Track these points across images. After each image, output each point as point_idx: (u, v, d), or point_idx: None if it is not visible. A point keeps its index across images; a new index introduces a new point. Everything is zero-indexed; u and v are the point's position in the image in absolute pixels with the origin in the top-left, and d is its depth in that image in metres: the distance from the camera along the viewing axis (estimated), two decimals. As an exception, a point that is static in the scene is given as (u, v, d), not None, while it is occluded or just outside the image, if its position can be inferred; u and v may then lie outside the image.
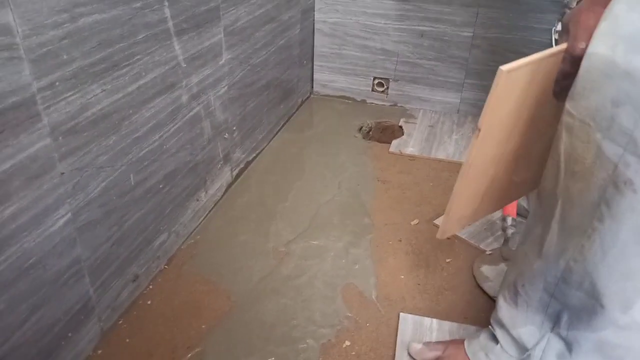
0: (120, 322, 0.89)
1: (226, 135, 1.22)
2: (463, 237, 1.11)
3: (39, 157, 0.66)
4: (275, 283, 0.98)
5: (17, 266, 0.65)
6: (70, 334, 0.78)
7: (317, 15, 1.75)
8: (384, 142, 1.55)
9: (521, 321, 0.68)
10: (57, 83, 0.68)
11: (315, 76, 1.85)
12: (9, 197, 0.62)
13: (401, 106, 1.81)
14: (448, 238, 1.12)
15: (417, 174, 1.37)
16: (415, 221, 1.17)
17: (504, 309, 0.71)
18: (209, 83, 1.09)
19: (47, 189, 0.68)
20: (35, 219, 0.67)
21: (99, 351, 0.84)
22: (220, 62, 1.13)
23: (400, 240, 1.11)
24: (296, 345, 0.85)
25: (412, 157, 1.46)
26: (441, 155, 1.47)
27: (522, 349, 0.68)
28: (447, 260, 1.05)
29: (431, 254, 1.07)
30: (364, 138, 1.58)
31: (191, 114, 1.04)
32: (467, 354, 0.76)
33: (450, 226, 0.71)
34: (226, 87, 1.18)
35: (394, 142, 1.54)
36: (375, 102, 1.83)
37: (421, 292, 0.97)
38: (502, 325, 0.71)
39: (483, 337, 0.75)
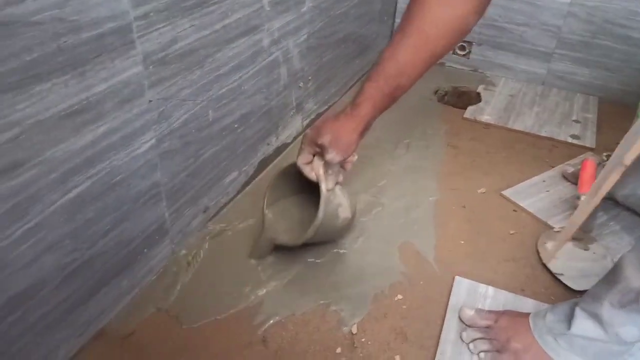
0: (189, 246, 0.96)
1: (301, 84, 1.24)
2: (530, 210, 1.07)
3: (131, 82, 0.71)
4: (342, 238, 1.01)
5: (105, 181, 0.71)
6: (145, 250, 0.85)
7: (404, -30, 1.69)
8: (459, 108, 1.50)
9: (623, 321, 0.66)
10: (151, 14, 0.71)
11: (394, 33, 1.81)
12: (102, 117, 0.68)
13: (482, 72, 1.73)
14: (514, 210, 1.09)
15: (490, 143, 1.33)
16: (482, 190, 1.14)
17: (607, 308, 0.67)
18: (290, 30, 1.10)
19: (136, 113, 0.73)
20: (124, 140, 0.72)
21: (170, 270, 0.90)
22: (302, 10, 1.13)
23: (464, 207, 1.09)
24: (348, 291, 0.88)
25: (486, 125, 1.41)
26: (518, 126, 1.41)
27: (620, 342, 0.67)
28: (511, 232, 1.03)
29: (495, 224, 1.05)
30: (438, 101, 1.54)
31: (270, 58, 1.06)
32: (533, 334, 0.73)
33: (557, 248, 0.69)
34: (306, 36, 1.18)
35: (470, 108, 1.49)
36: (455, 65, 1.77)
37: (480, 259, 0.96)
38: (597, 319, 0.68)
39: (550, 320, 0.73)
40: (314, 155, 0.84)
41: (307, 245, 0.91)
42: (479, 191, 1.14)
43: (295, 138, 1.30)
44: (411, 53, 0.78)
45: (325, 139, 0.79)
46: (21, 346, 0.66)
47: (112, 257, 0.78)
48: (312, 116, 1.37)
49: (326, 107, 1.44)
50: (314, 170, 0.83)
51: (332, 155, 0.80)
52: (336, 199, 0.85)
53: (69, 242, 0.68)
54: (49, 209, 0.64)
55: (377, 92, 0.79)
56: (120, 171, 0.74)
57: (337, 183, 0.86)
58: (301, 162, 0.84)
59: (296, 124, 1.28)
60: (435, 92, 1.58)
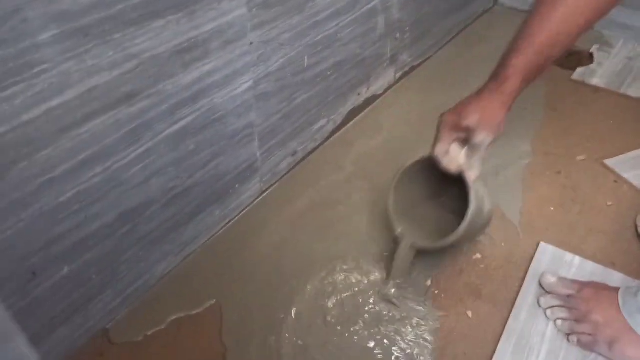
0: (276, 186, 1.01)
1: (397, 36, 1.21)
2: (634, 182, 0.99)
3: (235, 24, 0.74)
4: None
5: (207, 117, 0.77)
6: (237, 186, 0.91)
7: None
8: (567, 69, 1.39)
9: None
10: (258, -44, 0.73)
11: (503, -15, 1.69)
12: (208, 56, 0.72)
13: (597, 31, 1.57)
14: (615, 181, 1.01)
15: (596, 108, 1.23)
16: (582, 157, 1.07)
17: None
18: (391, -23, 1.07)
19: (238, 54, 0.77)
20: (225, 80, 0.77)
21: (258, 205, 0.97)
22: (407, -44, 1.09)
23: (560, 173, 1.03)
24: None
25: (596, 90, 1.30)
26: (633, 93, 1.28)
27: None
28: (609, 203, 0.96)
29: (591, 194, 0.99)
30: (543, 61, 1.44)
31: (369, 6, 1.04)
32: (620, 310, 0.70)
33: None
34: (407, -16, 1.14)
35: (579, 70, 1.37)
36: (567, 22, 1.62)
37: (570, 228, 0.92)
38: None
39: None
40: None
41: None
42: (578, 158, 1.07)
43: (386, 90, 1.29)
44: (565, 22, 0.72)
45: (471, 120, 0.72)
46: (128, 257, 0.76)
47: (208, 188, 0.85)
48: (406, 69, 1.34)
49: (421, 60, 1.40)
50: (455, 160, 0.74)
51: (483, 137, 0.73)
52: (480, 190, 0.77)
53: (173, 169, 0.75)
54: (158, 137, 0.70)
55: (526, 65, 0.73)
56: (220, 109, 0.79)
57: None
58: (439, 151, 0.75)
59: (388, 76, 1.27)
60: (541, 51, 1.47)
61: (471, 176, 0.75)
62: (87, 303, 0.72)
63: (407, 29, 1.24)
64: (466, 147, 0.75)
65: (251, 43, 0.78)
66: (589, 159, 1.07)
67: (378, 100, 1.26)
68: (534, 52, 0.73)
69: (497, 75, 0.76)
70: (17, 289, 0.61)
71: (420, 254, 0.82)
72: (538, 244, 0.88)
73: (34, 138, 0.55)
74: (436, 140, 0.77)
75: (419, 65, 1.39)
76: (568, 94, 1.28)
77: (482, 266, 0.85)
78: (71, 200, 0.62)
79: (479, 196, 0.75)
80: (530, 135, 1.13)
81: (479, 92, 0.77)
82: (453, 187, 0.81)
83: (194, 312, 0.79)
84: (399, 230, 0.82)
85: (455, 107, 0.77)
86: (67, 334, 0.71)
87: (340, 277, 0.84)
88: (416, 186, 0.85)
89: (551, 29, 0.73)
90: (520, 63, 0.74)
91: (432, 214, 0.87)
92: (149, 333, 0.76)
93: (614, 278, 0.81)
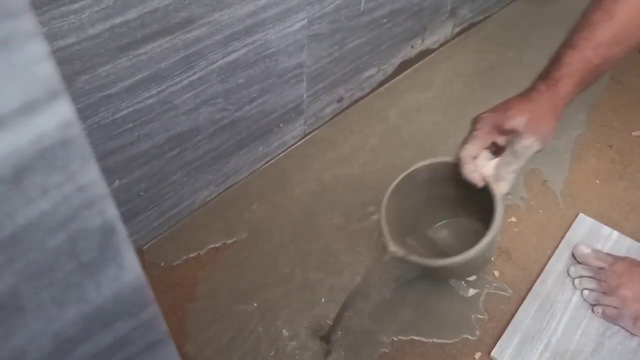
0: (320, 130, 1.02)
1: (460, -12, 1.17)
2: (692, 166, 0.95)
3: (295, -41, 0.73)
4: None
5: (258, 52, 0.78)
6: (281, 125, 0.93)
7: None
8: None
9: None
10: None
11: (582, -56, 1.57)
12: (265, -11, 0.72)
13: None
14: (672, 162, 0.97)
15: (665, 84, 1.16)
16: (638, 132, 1.02)
17: None
18: None
19: (294, -9, 0.77)
20: (279, 16, 0.77)
21: (300, 147, 0.99)
22: None
23: (611, 147, 1.00)
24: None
25: (667, 64, 1.22)
26: None
27: None
28: (659, 182, 0.93)
29: (641, 171, 0.95)
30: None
31: (433, -47, 1.00)
32: None
33: None
34: None
35: (652, 41, 1.29)
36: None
37: (613, 202, 0.89)
38: None
39: None
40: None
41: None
42: (634, 133, 1.02)
43: (441, 45, 1.25)
44: (633, 16, 0.61)
45: (518, 122, 0.61)
46: (174, 180, 0.80)
47: (253, 123, 0.87)
48: (465, 25, 1.29)
49: (482, 17, 1.34)
50: (481, 168, 0.64)
51: (529, 142, 0.61)
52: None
53: (221, 100, 0.78)
54: (210, 67, 0.72)
55: (583, 64, 0.62)
56: (272, 45, 0.80)
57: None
58: (467, 154, 0.64)
59: (446, 30, 1.23)
60: (614, 18, 1.38)
61: (500, 190, 0.63)
62: (133, 217, 0.77)
63: (472, -19, 1.19)
64: (501, 156, 0.64)
65: (309, -20, 0.78)
66: (647, 136, 1.02)
67: (432, 55, 1.23)
68: (594, 48, 0.62)
69: (548, 75, 0.64)
70: (73, 195, 0.66)
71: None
72: (577, 215, 0.86)
73: (96, 53, 0.58)
74: (466, 140, 0.65)
75: (479, 22, 1.34)
76: (635, 67, 1.20)
77: (515, 230, 0.85)
78: (126, 117, 0.66)
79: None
80: (587, 106, 1.09)
81: (526, 93, 0.65)
82: (465, 201, 0.71)
83: (228, 242, 0.83)
84: (392, 248, 0.64)
85: (496, 106, 0.66)
86: (114, 243, 0.77)
87: (372, 222, 0.86)
88: (421, 194, 0.73)
89: (614, 24, 0.61)
90: (577, 61, 0.62)
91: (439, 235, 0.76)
92: (189, 256, 0.81)
93: (653, 257, 0.79)
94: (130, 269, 0.20)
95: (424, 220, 0.77)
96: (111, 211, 0.19)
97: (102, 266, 0.19)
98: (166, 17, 0.62)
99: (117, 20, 0.58)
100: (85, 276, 0.18)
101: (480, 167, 0.64)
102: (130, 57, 0.61)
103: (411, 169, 0.70)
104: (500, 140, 0.64)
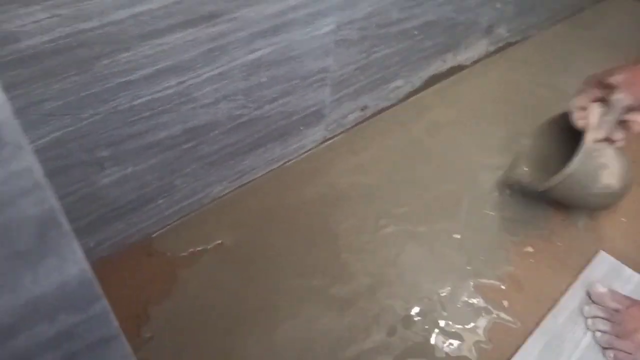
0: (340, 137, 1.01)
1: (498, 6, 1.14)
2: None
3: (329, -38, 0.73)
4: (487, 174, 0.97)
5: (283, 52, 0.77)
6: (301, 128, 0.92)
7: None
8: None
9: None
10: None
11: (634, -29, 1.51)
12: (296, -10, 0.72)
13: None
14: None
15: None
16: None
17: None
18: (507, -60, 1.00)
19: (325, -6, 0.76)
20: (307, 18, 0.76)
21: (319, 152, 0.98)
22: None
23: (643, 184, 0.95)
24: (478, 228, 0.86)
25: None
26: None
27: None
28: (692, 226, 0.88)
29: (673, 213, 0.90)
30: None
31: (474, -32, 0.98)
32: None
33: None
34: (523, -49, 1.06)
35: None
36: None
37: (638, 244, 0.85)
38: None
39: None
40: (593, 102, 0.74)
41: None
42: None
43: (474, 62, 1.22)
44: None
45: (617, 78, 0.70)
46: (187, 172, 0.80)
47: (273, 123, 0.86)
48: (501, 44, 1.26)
49: (519, 38, 1.31)
50: (586, 117, 0.73)
51: (620, 96, 0.69)
52: (602, 159, 0.75)
53: (242, 97, 0.77)
54: (233, 63, 0.72)
55: None
56: (297, 47, 0.79)
57: (611, 142, 0.73)
58: (575, 104, 0.75)
59: (480, 47, 1.20)
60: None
61: (590, 136, 0.72)
62: (144, 205, 0.77)
63: (511, 0, 1.16)
64: (602, 108, 0.73)
65: (342, -15, 0.77)
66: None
67: (463, 72, 1.20)
68: None
69: None
70: (84, 177, 0.67)
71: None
72: (598, 252, 0.82)
73: (118, 39, 0.58)
74: (576, 94, 0.76)
75: (516, 42, 1.31)
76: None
77: (531, 260, 0.82)
78: (144, 105, 0.66)
79: (595, 162, 0.75)
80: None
81: (632, 64, 0.73)
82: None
83: (235, 239, 0.82)
84: (524, 169, 0.89)
85: (605, 69, 0.75)
86: (122, 230, 0.77)
87: (383, 235, 0.83)
88: (554, 139, 0.87)
89: None
90: None
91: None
92: (195, 249, 0.80)
93: (674, 304, 0.75)
94: (73, 261, 0.19)
95: (550, 160, 0.88)
96: (51, 202, 0.18)
97: (40, 257, 0.18)
98: (191, 9, 0.62)
99: (142, 8, 0.58)
100: (22, 265, 0.17)
101: (589, 115, 0.73)
102: (153, 45, 0.61)
103: (548, 119, 0.88)
104: (600, 96, 0.73)
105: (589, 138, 0.72)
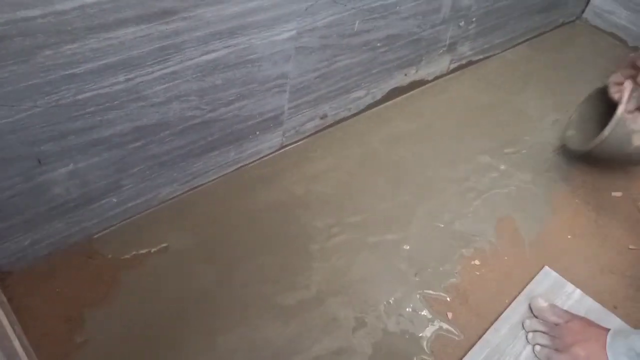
0: (298, 144, 1.00)
1: (462, 24, 1.16)
2: (667, 234, 0.93)
3: (290, -32, 0.72)
4: (442, 187, 0.98)
5: (241, 55, 0.76)
6: (257, 133, 0.91)
7: None
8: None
9: None
10: None
11: (593, 0, 1.58)
12: (255, -7, 0.71)
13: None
14: (647, 227, 0.95)
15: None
16: (618, 193, 1.01)
17: None
18: (469, -40, 1.02)
19: (287, 0, 0.76)
20: (268, 22, 0.76)
21: (275, 158, 0.97)
22: (492, -58, 1.03)
23: (589, 203, 0.98)
24: (434, 237, 0.87)
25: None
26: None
27: None
28: (631, 247, 0.91)
29: (615, 233, 0.93)
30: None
31: (437, -15, 1.00)
32: (605, 350, 0.67)
33: None
34: (485, -28, 1.09)
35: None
36: (651, 54, 1.51)
37: (581, 261, 0.87)
38: None
39: (636, 342, 0.65)
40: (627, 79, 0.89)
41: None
42: (614, 194, 1.01)
43: (436, 78, 1.24)
44: None
45: None
46: (134, 172, 0.77)
47: (228, 127, 0.85)
48: (463, 62, 1.29)
49: (482, 57, 1.34)
50: (622, 90, 0.88)
51: None
52: (634, 125, 0.87)
53: (195, 99, 0.76)
54: (187, 63, 0.70)
55: None
56: (256, 50, 0.78)
57: None
58: (611, 79, 0.92)
59: (442, 64, 1.22)
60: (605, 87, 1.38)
61: (620, 109, 0.86)
62: (87, 204, 0.75)
63: (475, 19, 1.19)
64: (634, 84, 0.87)
65: (302, -8, 0.77)
66: (625, 198, 1.00)
67: (425, 86, 1.22)
68: None
69: None
70: (22, 172, 0.64)
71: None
72: (542, 267, 0.84)
73: (63, 30, 0.56)
74: (615, 71, 0.92)
75: (478, 60, 1.34)
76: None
77: (477, 273, 0.83)
78: (89, 100, 0.64)
79: (627, 128, 0.87)
80: (572, 158, 1.07)
81: None
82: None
83: (181, 243, 0.80)
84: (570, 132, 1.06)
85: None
86: (62, 229, 0.74)
87: (333, 244, 0.83)
88: (597, 108, 1.03)
89: None
90: None
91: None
92: (139, 252, 0.78)
93: (610, 321, 0.77)
94: None
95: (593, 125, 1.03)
96: None
97: None
98: (144, 5, 0.60)
99: (89, 0, 0.56)
100: None
101: (623, 90, 0.88)
102: (100, 39, 0.60)
103: (592, 91, 1.05)
104: (634, 73, 0.88)
105: (621, 109, 0.86)
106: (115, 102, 0.67)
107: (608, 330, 0.69)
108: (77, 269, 0.73)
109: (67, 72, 0.60)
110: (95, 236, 0.79)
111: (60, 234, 0.74)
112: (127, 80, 0.66)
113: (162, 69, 0.68)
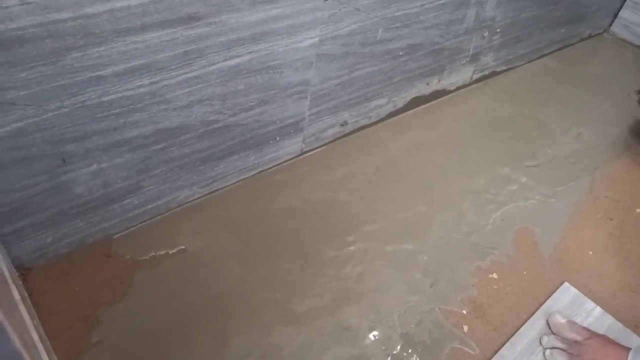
0: (317, 151, 1.01)
1: (485, 34, 1.15)
2: (693, 254, 0.90)
3: (314, -24, 0.73)
4: (460, 198, 0.97)
5: (263, 61, 0.77)
6: (277, 138, 0.92)
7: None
8: (660, 116, 1.27)
9: None
10: None
11: (622, 13, 1.55)
12: (279, 1, 0.72)
13: None
14: (672, 246, 0.93)
15: (680, 166, 1.12)
16: (643, 210, 0.99)
17: None
18: (495, -30, 1.01)
19: (310, 8, 0.76)
20: (290, 29, 0.76)
21: (294, 164, 0.97)
22: (518, -48, 1.02)
23: (612, 219, 0.96)
24: (451, 248, 0.86)
25: (686, 146, 1.18)
26: None
27: None
28: (655, 265, 0.89)
29: (637, 250, 0.91)
30: (639, 103, 1.32)
31: (461, -5, 0.99)
32: None
33: None
34: (510, -17, 1.08)
35: (674, 121, 1.25)
36: (680, 69, 1.47)
37: (602, 277, 0.85)
38: None
39: None
40: None
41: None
42: (638, 210, 0.98)
43: (458, 88, 1.23)
44: None
45: None
46: (156, 174, 0.78)
47: (248, 132, 0.86)
48: (486, 72, 1.28)
49: (505, 67, 1.33)
50: None
51: None
52: None
53: (218, 103, 0.77)
54: (210, 68, 0.71)
55: None
56: (278, 57, 0.79)
57: None
58: None
59: (465, 74, 1.21)
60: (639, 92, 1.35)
61: None
62: (107, 204, 0.76)
63: (499, 30, 1.18)
64: None
65: (326, 0, 0.77)
66: (651, 215, 0.98)
67: (447, 96, 1.21)
68: None
69: None
70: (46, 170, 0.65)
71: None
72: (562, 283, 0.82)
73: (91, 32, 0.57)
74: None
75: (501, 71, 1.32)
76: (653, 143, 1.17)
77: (495, 287, 0.81)
78: (114, 102, 0.65)
79: None
80: (593, 174, 1.05)
81: None
82: None
83: (198, 245, 0.81)
84: None
85: None
86: (82, 228, 0.76)
87: (347, 253, 0.83)
88: None
89: None
90: None
91: None
92: (157, 254, 0.79)
93: (632, 340, 0.75)
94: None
95: None
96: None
97: None
98: (170, 10, 0.62)
99: (118, 4, 0.57)
100: None
101: None
102: (127, 42, 0.61)
103: None
104: None
105: None
106: (139, 105, 0.68)
107: (629, 349, 0.67)
108: (96, 268, 0.74)
109: (94, 74, 0.61)
110: (115, 236, 0.80)
111: (80, 233, 0.76)
112: (152, 83, 0.67)
113: (185, 73, 0.69)
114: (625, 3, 1.53)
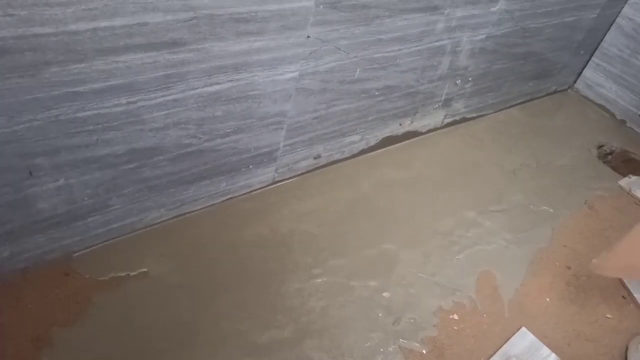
0: (289, 182, 1.01)
1: (458, 82, 1.20)
2: (643, 306, 0.94)
3: (299, 13, 0.75)
4: (427, 238, 0.99)
5: (243, 90, 0.78)
6: (251, 167, 0.92)
7: (626, 9, 1.51)
8: (618, 173, 1.34)
9: None
10: (342, -42, 0.74)
11: (585, 72, 1.64)
12: (262, 34, 0.74)
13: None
14: (624, 297, 0.96)
15: (633, 220, 1.17)
16: (597, 261, 1.02)
17: None
18: (470, 24, 1.07)
19: (292, 43, 0.78)
20: (271, 62, 0.78)
21: (266, 193, 0.97)
22: (493, 9, 1.08)
23: (569, 268, 0.99)
24: (408, 290, 0.87)
25: (639, 202, 1.24)
26: (678, 218, 1.22)
27: None
28: (608, 315, 0.91)
29: (594, 300, 0.94)
30: (598, 158, 1.39)
31: (437, 43, 1.04)
32: None
33: (611, 264, 0.62)
34: (484, 36, 1.13)
35: (629, 178, 1.32)
36: (638, 129, 1.56)
37: (559, 325, 0.88)
38: None
39: None
40: None
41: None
42: (594, 261, 1.02)
43: (429, 131, 1.27)
44: None
45: None
46: (124, 194, 0.77)
47: (222, 158, 0.86)
48: (457, 117, 1.32)
49: (475, 115, 1.38)
50: None
51: None
52: None
53: (193, 127, 0.77)
54: (189, 92, 0.72)
55: None
56: (258, 87, 0.80)
57: None
58: None
59: (436, 118, 1.26)
60: (600, 147, 1.42)
61: None
62: (71, 221, 0.74)
63: (471, 79, 1.23)
64: None
65: (308, 37, 0.80)
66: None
67: (418, 138, 1.25)
68: None
69: None
70: (12, 182, 0.64)
71: None
72: (519, 328, 0.84)
73: (73, 49, 0.57)
74: None
75: (471, 118, 1.38)
76: (610, 198, 1.22)
77: (455, 328, 0.83)
78: (89, 119, 0.65)
79: None
80: (555, 225, 1.09)
81: None
82: None
83: (162, 271, 0.79)
84: None
85: None
86: (42, 244, 0.73)
87: (313, 285, 0.83)
88: None
89: None
90: None
91: None
92: (117, 275, 0.77)
93: (584, 389, 0.77)
94: None
95: None
96: None
97: None
98: (154, 34, 0.62)
99: (103, 24, 0.58)
100: None
101: None
102: (108, 62, 0.61)
103: None
104: None
105: None
106: (115, 123, 0.68)
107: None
108: (52, 287, 0.72)
109: (70, 90, 0.61)
110: (75, 254, 0.78)
111: (40, 249, 0.73)
112: (129, 103, 0.67)
113: (164, 95, 0.70)
114: (589, 63, 1.62)
